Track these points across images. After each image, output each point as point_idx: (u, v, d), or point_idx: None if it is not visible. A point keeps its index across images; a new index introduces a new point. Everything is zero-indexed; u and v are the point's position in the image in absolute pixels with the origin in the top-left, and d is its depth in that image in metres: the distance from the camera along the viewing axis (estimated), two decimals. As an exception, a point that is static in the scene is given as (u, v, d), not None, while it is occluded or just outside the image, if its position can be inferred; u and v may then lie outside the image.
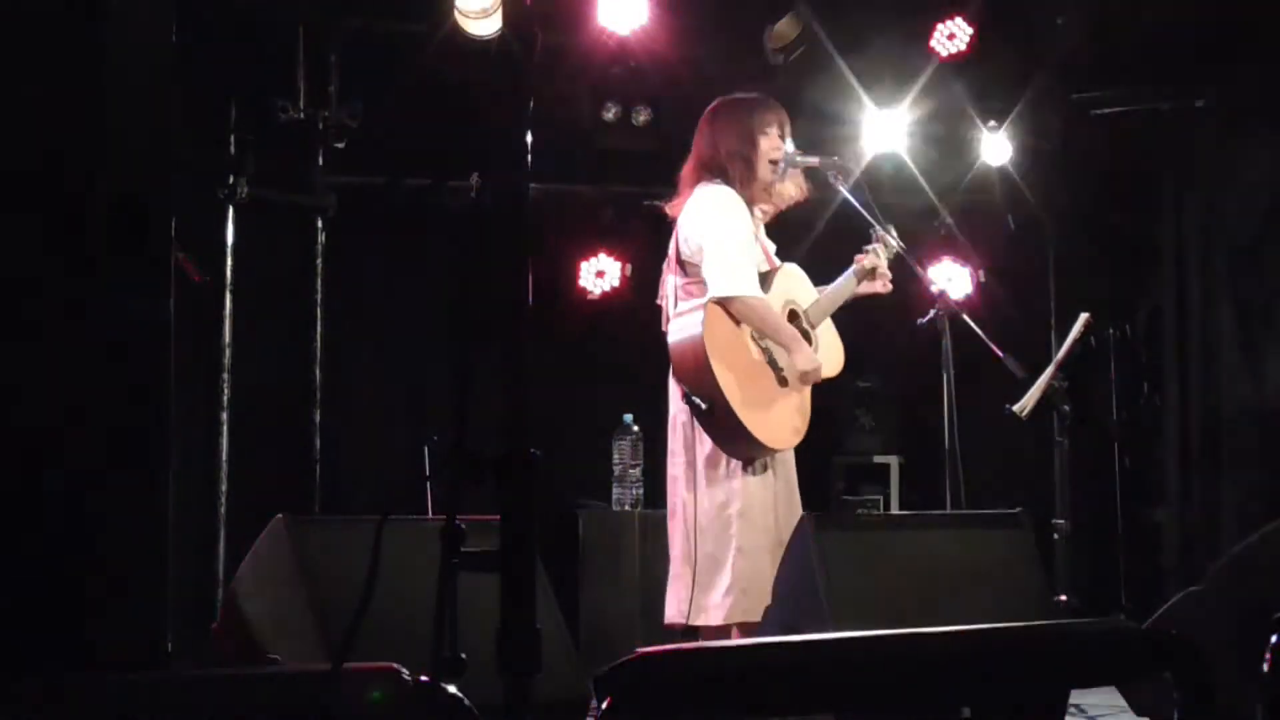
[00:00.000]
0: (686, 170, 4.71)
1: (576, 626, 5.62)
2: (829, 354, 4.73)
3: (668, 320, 4.59)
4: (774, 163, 4.65)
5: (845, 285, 4.79)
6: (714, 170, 4.62)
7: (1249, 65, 7.16)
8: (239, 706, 2.18)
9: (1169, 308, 7.45)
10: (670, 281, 4.62)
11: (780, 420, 4.46)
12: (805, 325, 4.69)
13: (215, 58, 6.46)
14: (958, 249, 7.53)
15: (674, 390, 4.51)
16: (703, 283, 4.48)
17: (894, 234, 4.90)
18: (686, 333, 4.42)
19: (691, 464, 4.44)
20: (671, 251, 4.63)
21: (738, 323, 4.45)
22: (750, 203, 4.64)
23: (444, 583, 2.23)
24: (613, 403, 6.65)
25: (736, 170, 4.60)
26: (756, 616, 4.34)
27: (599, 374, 7.21)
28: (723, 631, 4.38)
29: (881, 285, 4.86)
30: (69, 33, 2.94)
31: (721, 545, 4.39)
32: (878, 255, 4.83)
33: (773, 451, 4.46)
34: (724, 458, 4.42)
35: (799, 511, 4.57)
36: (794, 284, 4.71)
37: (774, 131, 4.67)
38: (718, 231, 4.48)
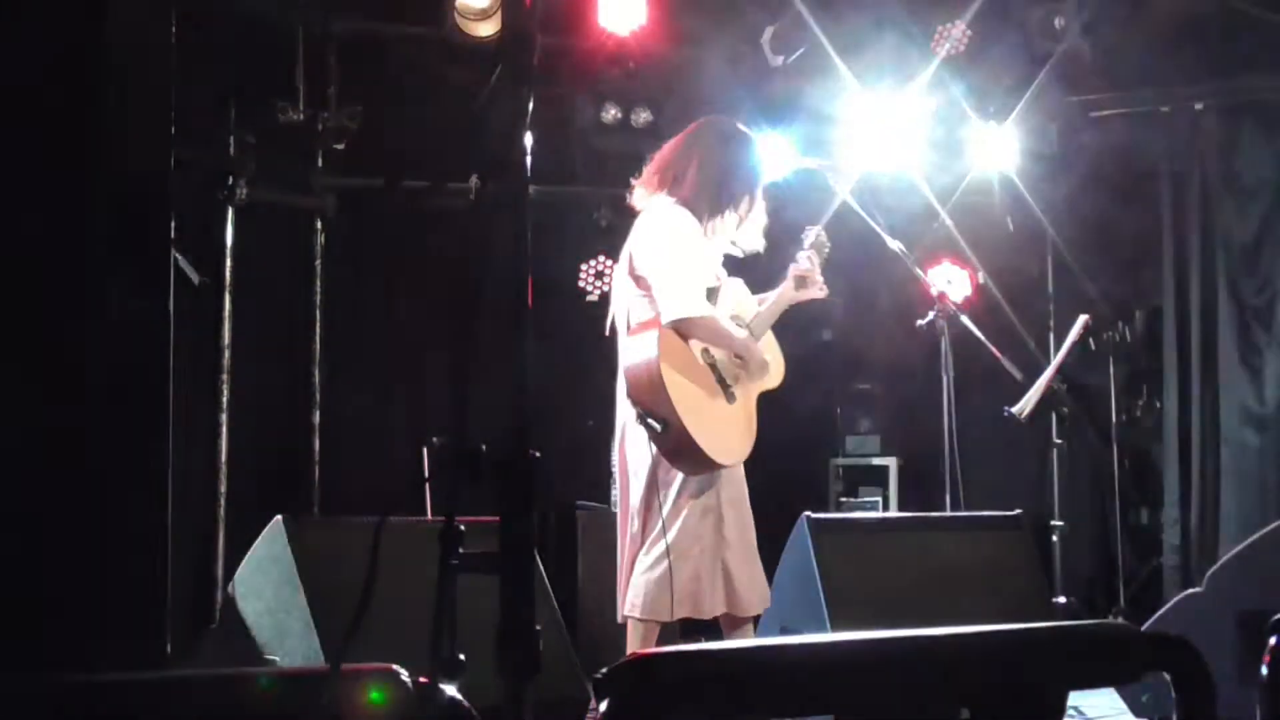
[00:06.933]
0: (661, 165, 4.67)
1: (576, 627, 5.63)
2: (770, 367, 4.75)
3: (621, 327, 4.65)
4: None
5: (783, 295, 4.78)
6: (687, 187, 4.61)
7: (1248, 66, 7.16)
8: (238, 706, 2.18)
9: (1168, 309, 7.45)
10: (624, 290, 4.63)
11: (729, 436, 4.53)
12: None
13: (215, 58, 6.47)
14: (957, 251, 7.54)
15: (627, 409, 4.54)
16: (654, 300, 4.53)
17: (824, 236, 4.90)
18: (641, 355, 4.47)
19: (652, 485, 4.52)
20: (625, 261, 4.65)
21: (687, 342, 4.52)
22: (703, 221, 4.64)
23: (443, 584, 2.22)
24: (612, 403, 6.65)
25: (718, 202, 4.61)
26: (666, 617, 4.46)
27: (598, 375, 7.21)
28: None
29: (817, 290, 4.82)
30: (69, 33, 2.94)
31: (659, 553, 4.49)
32: (810, 261, 4.81)
33: (721, 467, 4.51)
34: (675, 479, 4.49)
35: (750, 519, 4.61)
36: (738, 297, 4.73)
37: (759, 200, 4.70)
38: (671, 256, 4.52)
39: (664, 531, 4.43)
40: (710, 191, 4.59)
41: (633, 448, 4.55)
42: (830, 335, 7.95)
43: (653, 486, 4.49)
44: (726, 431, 4.52)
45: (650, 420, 4.41)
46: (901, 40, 7.27)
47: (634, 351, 4.51)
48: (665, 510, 4.45)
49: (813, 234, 4.89)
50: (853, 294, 7.46)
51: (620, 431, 4.60)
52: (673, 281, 4.48)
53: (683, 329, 4.49)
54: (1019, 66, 7.38)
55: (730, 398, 4.57)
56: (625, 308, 4.62)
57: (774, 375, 4.75)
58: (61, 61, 2.93)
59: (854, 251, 6.12)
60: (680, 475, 4.47)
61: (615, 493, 6.34)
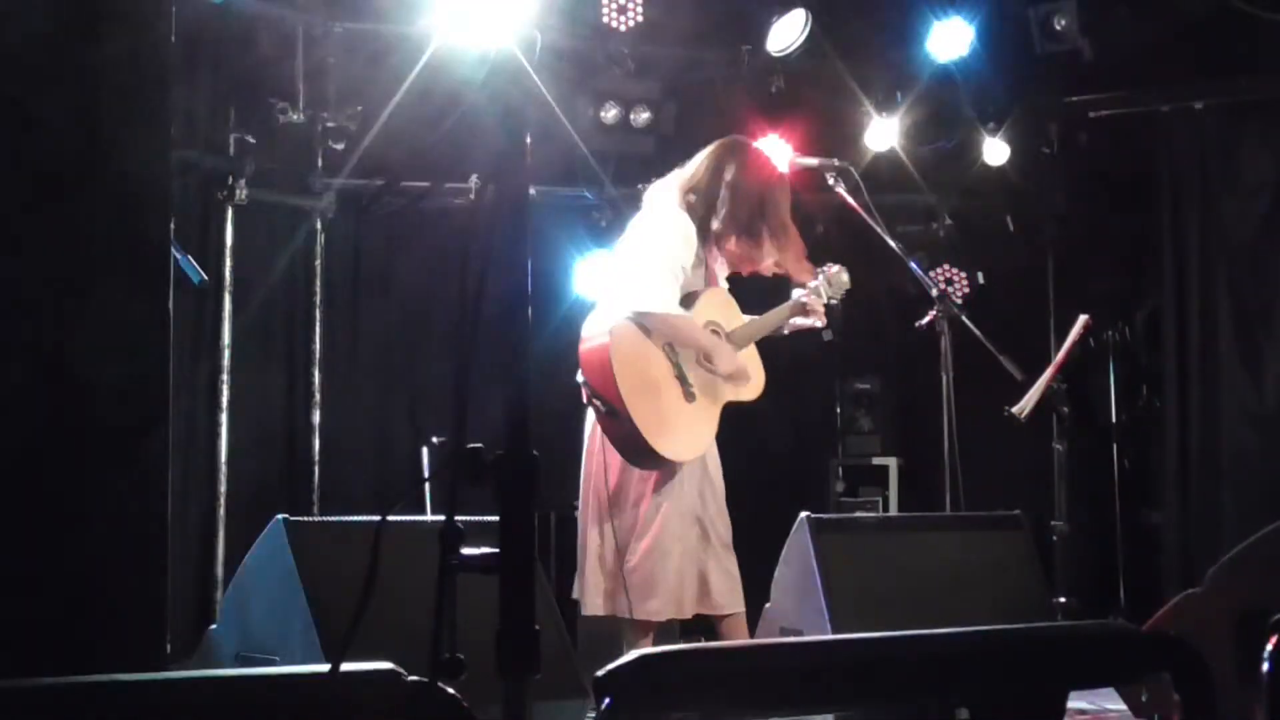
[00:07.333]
0: (692, 188, 4.65)
1: (576, 627, 5.63)
2: (750, 379, 4.74)
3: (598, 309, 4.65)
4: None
5: (777, 314, 4.81)
6: (720, 220, 4.61)
7: (1248, 66, 7.16)
8: (238, 707, 2.18)
9: (1168, 309, 7.45)
10: (609, 274, 4.65)
11: (677, 432, 4.49)
12: None
13: (215, 58, 6.47)
14: (957, 251, 7.54)
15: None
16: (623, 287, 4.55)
17: (846, 276, 4.92)
18: (596, 340, 4.47)
19: (628, 481, 4.50)
20: (620, 247, 4.68)
21: (649, 336, 4.50)
22: (702, 235, 4.64)
23: (443, 583, 2.22)
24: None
25: (750, 232, 4.62)
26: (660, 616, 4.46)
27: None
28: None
29: (815, 320, 4.86)
30: (69, 33, 2.94)
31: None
32: (819, 294, 4.83)
33: (670, 464, 4.48)
34: (636, 477, 4.48)
35: (728, 520, 4.60)
36: (719, 306, 4.71)
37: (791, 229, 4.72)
38: (650, 249, 4.53)
39: (648, 531, 4.44)
40: (742, 223, 4.61)
41: (599, 440, 4.56)
42: (830, 335, 7.95)
43: (630, 483, 4.50)
44: (674, 426, 4.47)
45: (596, 401, 4.41)
46: (901, 40, 7.28)
47: (590, 336, 4.51)
48: (644, 510, 4.46)
49: (834, 269, 4.91)
50: (853, 294, 7.45)
51: (591, 421, 4.60)
52: (642, 273, 4.49)
53: (642, 321, 4.48)
54: (1019, 66, 7.38)
55: (689, 396, 4.53)
56: (606, 290, 4.64)
57: (752, 387, 4.74)
58: (61, 61, 2.93)
59: (854, 251, 6.13)
60: (662, 474, 4.47)
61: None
